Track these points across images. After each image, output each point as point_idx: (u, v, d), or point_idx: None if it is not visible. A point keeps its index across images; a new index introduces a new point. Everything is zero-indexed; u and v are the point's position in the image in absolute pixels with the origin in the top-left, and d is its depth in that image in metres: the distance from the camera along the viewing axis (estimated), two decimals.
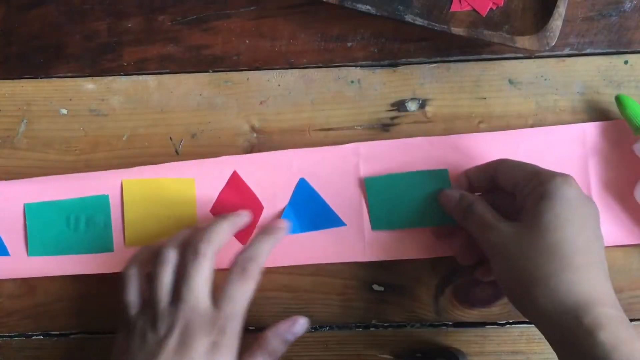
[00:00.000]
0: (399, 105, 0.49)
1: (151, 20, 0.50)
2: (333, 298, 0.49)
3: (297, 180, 0.48)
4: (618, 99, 0.45)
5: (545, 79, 0.48)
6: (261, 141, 0.49)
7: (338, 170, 0.48)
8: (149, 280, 0.43)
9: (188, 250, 0.42)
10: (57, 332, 0.50)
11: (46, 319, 0.50)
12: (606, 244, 0.47)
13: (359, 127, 0.49)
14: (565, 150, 0.47)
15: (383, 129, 0.49)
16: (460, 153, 0.47)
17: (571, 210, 0.38)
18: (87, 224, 0.49)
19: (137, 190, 0.48)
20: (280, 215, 0.48)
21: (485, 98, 0.49)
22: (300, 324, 0.44)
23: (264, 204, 0.48)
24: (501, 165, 0.43)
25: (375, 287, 0.49)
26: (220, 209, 0.48)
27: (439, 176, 0.47)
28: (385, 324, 0.49)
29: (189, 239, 0.43)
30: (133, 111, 0.50)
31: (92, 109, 0.50)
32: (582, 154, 0.47)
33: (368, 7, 0.45)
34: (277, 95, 0.49)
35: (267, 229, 0.45)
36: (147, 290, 0.44)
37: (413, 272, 0.49)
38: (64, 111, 0.50)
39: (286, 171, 0.48)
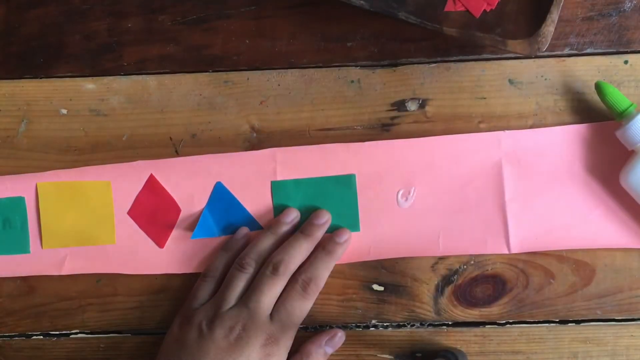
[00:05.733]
0: (399, 105, 0.49)
1: (151, 20, 0.50)
2: (333, 298, 0.49)
3: (215, 184, 0.49)
4: (598, 86, 0.45)
5: (545, 79, 0.48)
6: (261, 141, 0.49)
7: (255, 174, 0.49)
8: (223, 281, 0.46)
9: (268, 266, 0.45)
10: (57, 332, 0.50)
11: (46, 319, 0.50)
12: (606, 246, 0.47)
13: (359, 127, 0.49)
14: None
15: (383, 129, 0.49)
16: (371, 159, 0.48)
17: None
18: (4, 225, 0.49)
19: (52, 193, 0.49)
20: (198, 217, 0.49)
21: (485, 98, 0.49)
22: (339, 337, 0.48)
23: (181, 206, 0.49)
24: None
25: (375, 287, 0.49)
26: (139, 211, 0.49)
27: (346, 181, 0.48)
28: (385, 324, 0.49)
29: (269, 253, 0.46)
30: (133, 111, 0.50)
31: (92, 109, 0.50)
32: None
33: (362, 1, 0.45)
34: (277, 95, 0.49)
35: (328, 246, 0.47)
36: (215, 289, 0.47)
37: (413, 272, 0.49)
38: (64, 111, 0.50)
39: (204, 175, 0.49)
